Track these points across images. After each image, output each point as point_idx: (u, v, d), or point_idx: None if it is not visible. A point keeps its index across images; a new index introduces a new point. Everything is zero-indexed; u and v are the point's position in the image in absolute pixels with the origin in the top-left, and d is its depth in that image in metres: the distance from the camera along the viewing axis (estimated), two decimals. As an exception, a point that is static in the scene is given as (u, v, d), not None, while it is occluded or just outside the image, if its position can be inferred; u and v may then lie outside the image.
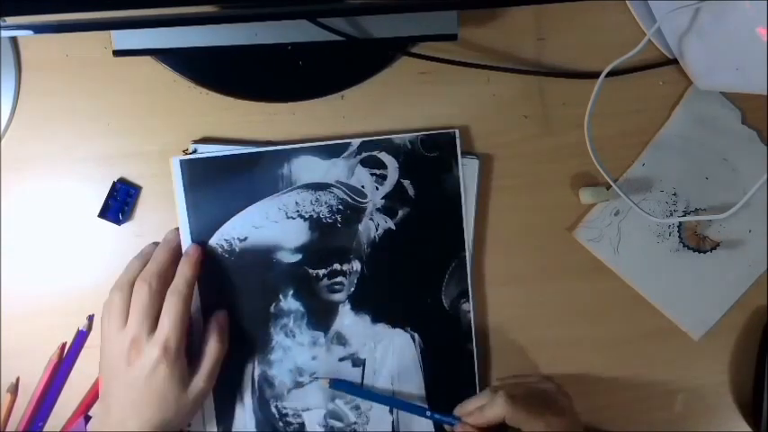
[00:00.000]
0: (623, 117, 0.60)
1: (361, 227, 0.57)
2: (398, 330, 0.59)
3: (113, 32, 0.54)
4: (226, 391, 0.57)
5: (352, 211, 0.57)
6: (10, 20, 0.42)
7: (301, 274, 0.57)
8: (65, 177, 0.56)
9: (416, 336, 0.59)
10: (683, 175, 0.61)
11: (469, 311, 0.59)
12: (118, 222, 0.56)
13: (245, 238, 0.56)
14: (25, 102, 0.55)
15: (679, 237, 0.61)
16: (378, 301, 0.58)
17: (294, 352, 0.58)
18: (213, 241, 0.56)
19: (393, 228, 0.58)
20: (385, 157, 0.57)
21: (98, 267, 0.57)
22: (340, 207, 0.57)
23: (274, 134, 0.57)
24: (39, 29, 0.44)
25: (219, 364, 0.54)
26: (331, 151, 0.57)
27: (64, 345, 0.57)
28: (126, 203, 0.56)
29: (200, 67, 0.56)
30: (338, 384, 0.58)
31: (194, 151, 0.56)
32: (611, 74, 0.57)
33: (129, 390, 0.50)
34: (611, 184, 0.59)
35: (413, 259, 0.58)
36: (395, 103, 0.58)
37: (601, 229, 0.60)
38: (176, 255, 0.54)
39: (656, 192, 0.61)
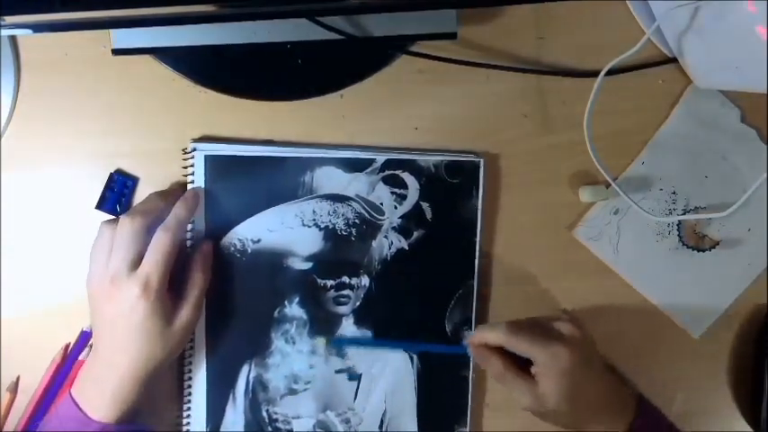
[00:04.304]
0: (623, 116, 0.60)
1: (374, 243, 0.58)
2: (398, 350, 0.59)
3: (112, 31, 0.54)
4: (219, 388, 0.57)
5: (367, 227, 0.57)
6: (9, 19, 0.42)
7: (309, 283, 0.57)
8: (64, 176, 0.56)
9: (415, 357, 0.59)
10: (682, 173, 0.61)
11: None
12: (115, 214, 0.56)
13: (259, 240, 0.57)
14: (24, 101, 0.56)
15: (678, 235, 0.61)
16: (381, 319, 0.58)
17: (292, 358, 0.58)
18: (227, 239, 0.56)
19: (406, 248, 0.58)
20: (407, 177, 0.57)
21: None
22: (356, 221, 0.57)
23: (273, 133, 0.58)
24: (38, 28, 0.44)
25: (204, 294, 0.54)
26: (355, 165, 0.57)
27: (67, 345, 0.57)
28: (123, 195, 0.56)
29: (200, 66, 0.56)
30: (337, 342, 0.58)
31: (194, 150, 0.56)
32: (610, 72, 0.57)
33: (113, 327, 0.50)
34: (611, 182, 0.59)
35: (421, 282, 0.58)
36: (394, 101, 0.58)
37: (600, 227, 0.60)
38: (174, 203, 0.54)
39: (655, 190, 0.61)
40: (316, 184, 0.57)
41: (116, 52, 0.54)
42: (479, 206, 0.58)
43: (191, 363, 0.57)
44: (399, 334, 0.58)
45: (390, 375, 0.59)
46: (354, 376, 0.59)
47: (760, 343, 0.63)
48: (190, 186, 0.56)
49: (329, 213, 0.57)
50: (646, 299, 0.61)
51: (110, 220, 0.52)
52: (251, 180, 0.56)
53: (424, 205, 0.58)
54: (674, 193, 0.61)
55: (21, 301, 0.57)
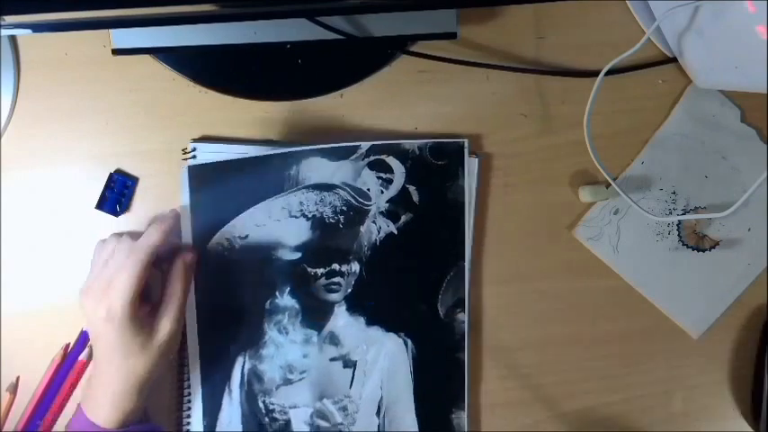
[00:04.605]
0: (623, 115, 0.60)
1: (362, 229, 0.57)
2: (392, 335, 0.58)
3: (112, 31, 0.54)
4: (215, 382, 0.57)
5: (355, 213, 0.57)
6: (9, 19, 0.42)
7: (300, 272, 0.57)
8: (64, 176, 0.56)
9: (409, 341, 0.59)
10: (682, 173, 0.61)
11: (464, 321, 0.58)
12: (115, 214, 0.56)
13: (246, 236, 0.56)
14: (24, 100, 0.56)
15: (678, 235, 0.61)
16: (374, 305, 0.58)
17: (286, 349, 0.58)
18: (215, 240, 0.56)
19: (395, 232, 0.58)
20: (392, 161, 0.57)
21: (97, 266, 0.57)
22: (344, 208, 0.57)
23: (273, 133, 0.58)
24: (38, 28, 0.44)
25: (185, 304, 0.53)
26: (339, 153, 0.57)
27: (67, 345, 0.57)
28: (123, 194, 0.56)
29: (200, 66, 0.56)
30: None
31: (194, 150, 0.56)
32: (610, 72, 0.57)
33: (98, 339, 0.51)
34: (611, 182, 0.59)
35: (412, 265, 0.58)
36: (394, 101, 0.58)
37: (600, 227, 0.60)
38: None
39: (655, 190, 0.61)
40: (302, 176, 0.57)
41: (116, 52, 0.54)
42: (466, 187, 0.58)
43: (186, 360, 0.57)
44: (392, 318, 0.58)
45: (385, 362, 0.58)
46: (350, 363, 0.58)
47: (760, 343, 0.63)
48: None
49: (316, 203, 0.57)
50: (646, 299, 0.61)
51: (107, 238, 0.53)
52: (236, 182, 0.56)
53: (411, 188, 0.58)
54: (674, 193, 0.61)
55: (21, 301, 0.57)
